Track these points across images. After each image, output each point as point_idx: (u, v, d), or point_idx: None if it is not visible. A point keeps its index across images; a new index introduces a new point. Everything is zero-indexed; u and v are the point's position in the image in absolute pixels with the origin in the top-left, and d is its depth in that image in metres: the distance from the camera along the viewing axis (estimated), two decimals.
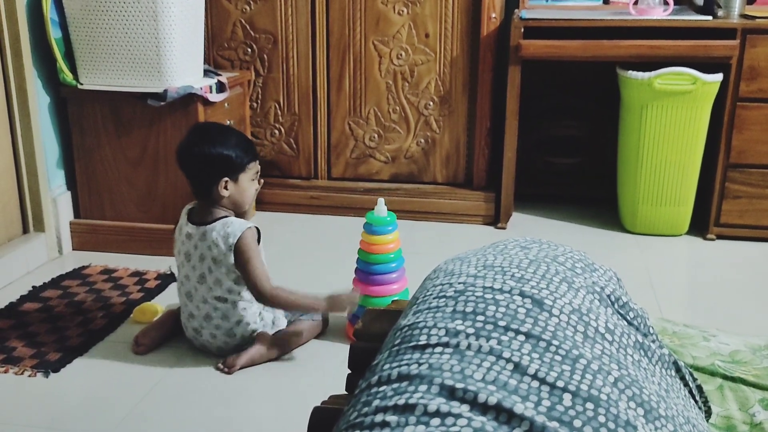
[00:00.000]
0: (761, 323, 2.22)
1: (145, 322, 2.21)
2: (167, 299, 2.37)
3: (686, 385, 0.95)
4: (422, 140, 3.08)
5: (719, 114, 2.76)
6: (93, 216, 2.77)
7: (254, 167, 2.01)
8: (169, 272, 2.54)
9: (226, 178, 1.95)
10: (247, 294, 1.98)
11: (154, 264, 2.62)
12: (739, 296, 2.42)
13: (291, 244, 2.87)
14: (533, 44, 2.78)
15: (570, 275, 0.92)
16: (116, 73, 2.60)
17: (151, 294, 2.40)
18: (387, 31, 2.98)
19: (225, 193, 1.96)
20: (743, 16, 2.77)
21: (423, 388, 0.73)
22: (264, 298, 1.94)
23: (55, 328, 2.18)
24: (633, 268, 2.63)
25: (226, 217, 1.98)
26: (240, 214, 2.02)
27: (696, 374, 1.15)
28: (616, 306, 0.93)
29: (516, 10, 2.95)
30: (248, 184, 2.00)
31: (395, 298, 2.10)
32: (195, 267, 1.98)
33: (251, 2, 3.05)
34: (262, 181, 2.07)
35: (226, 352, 2.01)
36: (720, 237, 2.87)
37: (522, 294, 0.85)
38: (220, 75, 2.82)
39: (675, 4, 2.86)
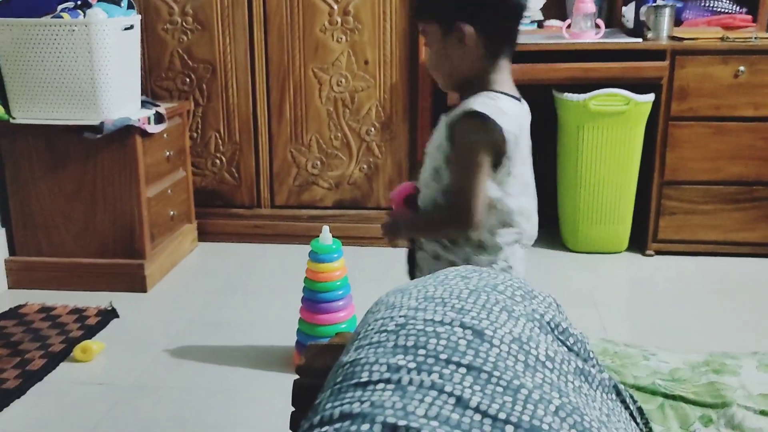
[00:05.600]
0: (700, 338, 2.28)
1: (86, 361, 2.15)
2: (108, 336, 2.31)
3: (627, 408, 0.96)
4: (365, 166, 3.09)
5: (653, 133, 2.84)
6: (29, 253, 2.69)
7: None
8: (110, 308, 2.47)
9: None
10: None
11: (94, 300, 2.55)
12: (678, 311, 2.48)
13: (236, 275, 2.83)
14: None
15: (510, 304, 0.93)
16: (50, 107, 2.53)
17: (91, 331, 2.34)
18: (326, 58, 2.98)
19: None
20: (671, 37, 2.87)
21: (365, 427, 0.72)
22: None
23: None
24: (575, 286, 2.68)
25: None
26: None
27: (637, 394, 1.17)
28: (556, 332, 0.94)
29: None
30: None
31: (342, 327, 2.09)
32: None
33: (188, 32, 3.02)
34: None
35: None
36: (658, 253, 2.94)
37: (462, 325, 0.85)
38: (158, 106, 2.79)
39: (606, 27, 2.95)
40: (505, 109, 1.34)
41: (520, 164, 1.38)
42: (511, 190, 1.39)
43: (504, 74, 1.39)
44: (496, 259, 1.43)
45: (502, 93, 1.37)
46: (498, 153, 1.34)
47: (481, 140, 1.32)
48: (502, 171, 1.36)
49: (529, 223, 1.46)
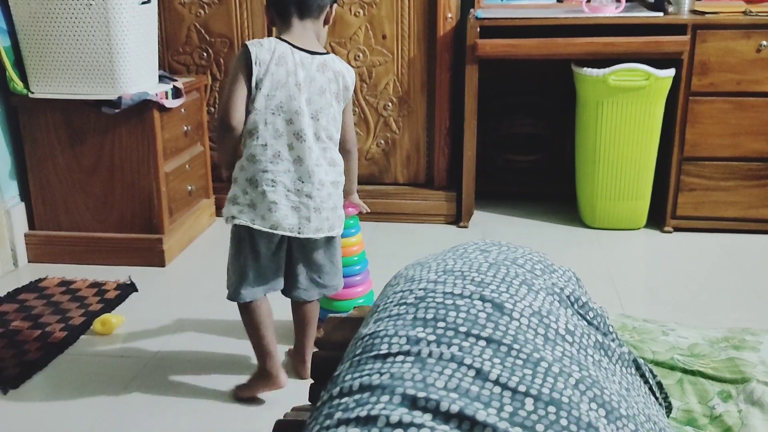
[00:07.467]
0: (718, 314, 2.27)
1: (105, 334, 2.18)
2: (128, 310, 2.33)
3: (646, 382, 0.96)
4: (382, 141, 3.08)
5: (673, 109, 2.81)
6: (48, 227, 2.71)
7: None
8: (129, 282, 2.49)
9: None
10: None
11: (113, 274, 2.57)
12: (697, 288, 2.47)
13: None
14: (489, 43, 2.80)
15: (529, 277, 0.93)
16: (68, 81, 2.54)
17: (111, 305, 2.36)
18: (344, 32, 2.97)
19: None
20: (693, 11, 2.83)
21: (385, 398, 0.72)
22: None
23: (12, 342, 2.13)
24: (593, 262, 2.67)
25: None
26: None
27: (656, 369, 1.17)
28: (575, 306, 0.94)
29: (471, 10, 2.96)
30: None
31: (359, 302, 2.10)
32: (311, 101, 1.69)
33: (205, 6, 3.01)
34: None
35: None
36: (677, 229, 2.92)
37: (482, 298, 0.85)
38: (175, 80, 2.79)
39: (627, 1, 2.91)
40: (266, 44, 1.67)
41: (271, 88, 1.66)
42: (257, 106, 1.67)
43: (293, 31, 1.71)
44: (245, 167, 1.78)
45: (281, 39, 1.70)
46: (249, 71, 1.65)
47: (237, 59, 1.68)
48: (254, 89, 1.67)
49: (267, 148, 1.70)
